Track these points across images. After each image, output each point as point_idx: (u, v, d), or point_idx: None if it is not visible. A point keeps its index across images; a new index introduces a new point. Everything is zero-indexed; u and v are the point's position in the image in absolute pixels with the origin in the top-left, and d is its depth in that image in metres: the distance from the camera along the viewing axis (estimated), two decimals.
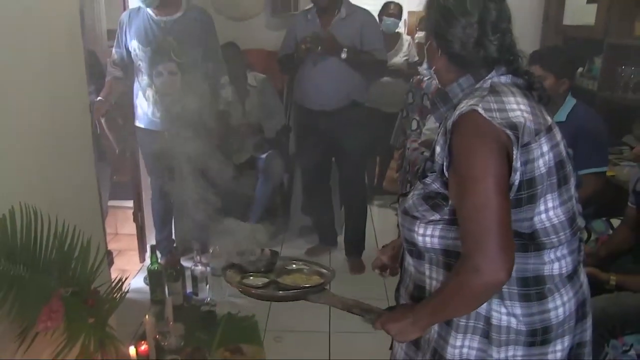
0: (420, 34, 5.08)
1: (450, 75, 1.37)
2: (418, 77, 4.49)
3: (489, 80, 1.31)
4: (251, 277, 1.75)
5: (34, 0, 2.08)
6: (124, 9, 3.40)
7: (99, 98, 3.19)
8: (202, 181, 3.23)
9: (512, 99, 1.26)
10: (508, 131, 1.19)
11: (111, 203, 3.84)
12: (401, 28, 5.13)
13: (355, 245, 3.80)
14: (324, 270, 1.80)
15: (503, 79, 1.32)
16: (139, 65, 3.19)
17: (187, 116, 3.20)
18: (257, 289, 1.69)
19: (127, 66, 3.28)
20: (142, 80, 3.23)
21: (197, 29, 3.21)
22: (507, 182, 1.21)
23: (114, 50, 3.29)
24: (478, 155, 1.20)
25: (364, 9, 3.58)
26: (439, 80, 1.42)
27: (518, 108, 1.24)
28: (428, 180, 1.34)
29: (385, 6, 4.70)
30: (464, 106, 1.25)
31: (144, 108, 3.27)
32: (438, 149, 1.30)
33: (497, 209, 1.18)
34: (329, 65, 3.39)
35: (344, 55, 3.34)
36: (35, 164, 2.11)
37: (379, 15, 4.53)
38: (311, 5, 3.52)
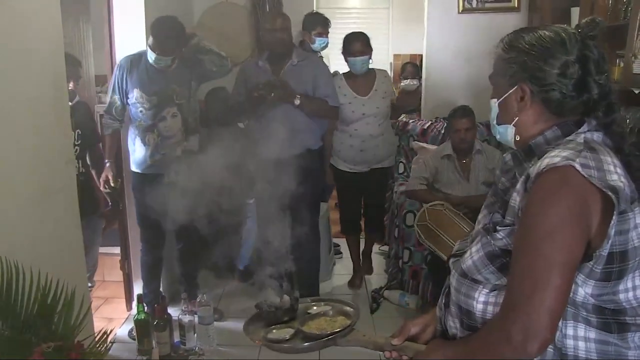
0: (405, 82, 4.96)
1: (537, 128, 1.23)
2: (404, 119, 4.54)
3: (582, 135, 1.17)
4: (274, 330, 1.65)
5: (18, 49, 2.09)
6: (111, 55, 3.43)
7: (107, 164, 3.23)
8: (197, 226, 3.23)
9: (609, 159, 1.12)
10: (610, 193, 1.06)
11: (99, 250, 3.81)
12: (388, 71, 4.89)
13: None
14: (349, 309, 1.70)
15: (596, 135, 1.18)
16: (141, 112, 3.19)
17: (189, 158, 3.23)
18: (284, 343, 1.58)
19: (122, 114, 3.27)
20: (140, 126, 3.22)
21: (190, 70, 3.30)
22: (577, 260, 1.09)
23: (112, 98, 3.24)
24: (559, 215, 1.07)
25: (315, 56, 3.63)
26: (521, 134, 1.26)
27: (615, 171, 1.10)
28: (499, 235, 1.18)
29: (347, 42, 3.68)
30: (556, 156, 1.10)
31: (142, 153, 3.25)
32: (517, 198, 1.16)
33: (552, 281, 1.06)
34: (282, 113, 3.32)
35: (297, 102, 3.30)
36: (18, 217, 2.09)
37: (343, 54, 3.76)
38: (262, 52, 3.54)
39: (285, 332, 1.63)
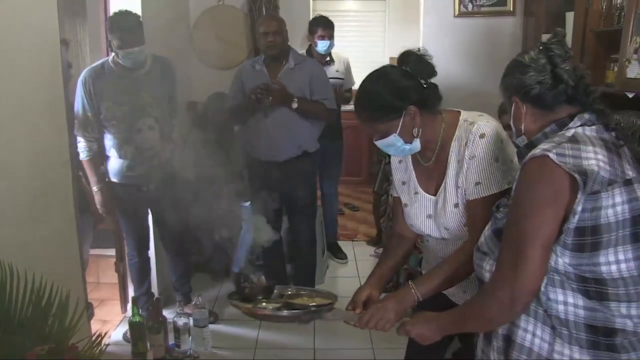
0: None
1: (537, 126, 1.43)
2: None
3: (572, 130, 1.36)
4: (263, 303, 1.79)
5: (14, 51, 2.09)
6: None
7: (95, 189, 3.12)
8: (185, 230, 3.22)
9: (590, 148, 1.29)
10: (577, 175, 1.23)
11: (94, 252, 3.78)
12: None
13: None
14: (326, 293, 1.88)
15: (588, 130, 1.35)
16: (113, 124, 3.07)
17: (168, 167, 3.21)
18: (275, 312, 1.74)
19: (98, 130, 3.12)
20: (116, 139, 3.10)
21: (164, 79, 3.21)
22: (553, 235, 1.28)
23: (83, 115, 3.05)
24: (535, 198, 1.29)
25: (311, 59, 3.70)
26: (528, 137, 1.46)
27: (594, 157, 1.27)
28: (500, 215, 1.43)
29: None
30: (537, 149, 1.32)
31: (117, 164, 3.16)
32: (514, 184, 1.39)
33: (532, 253, 1.28)
34: (280, 116, 3.35)
35: (295, 106, 3.31)
36: (13, 219, 2.09)
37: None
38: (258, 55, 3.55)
39: (271, 306, 1.77)
